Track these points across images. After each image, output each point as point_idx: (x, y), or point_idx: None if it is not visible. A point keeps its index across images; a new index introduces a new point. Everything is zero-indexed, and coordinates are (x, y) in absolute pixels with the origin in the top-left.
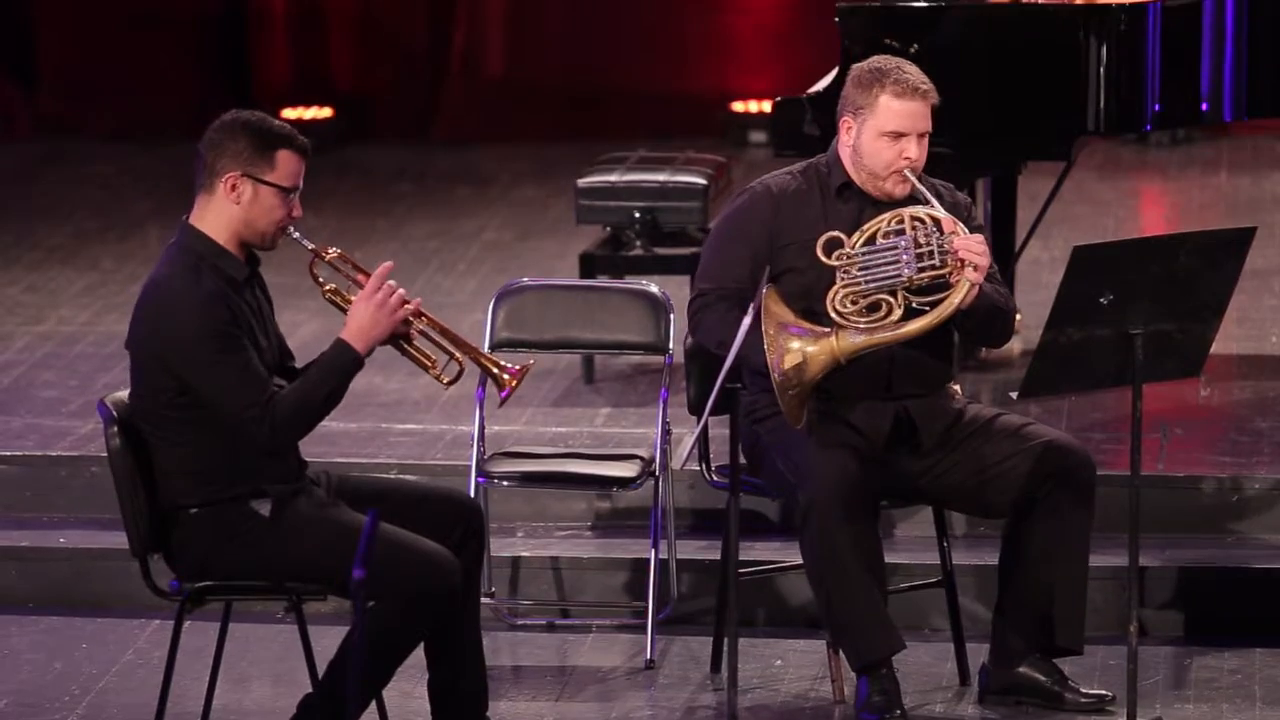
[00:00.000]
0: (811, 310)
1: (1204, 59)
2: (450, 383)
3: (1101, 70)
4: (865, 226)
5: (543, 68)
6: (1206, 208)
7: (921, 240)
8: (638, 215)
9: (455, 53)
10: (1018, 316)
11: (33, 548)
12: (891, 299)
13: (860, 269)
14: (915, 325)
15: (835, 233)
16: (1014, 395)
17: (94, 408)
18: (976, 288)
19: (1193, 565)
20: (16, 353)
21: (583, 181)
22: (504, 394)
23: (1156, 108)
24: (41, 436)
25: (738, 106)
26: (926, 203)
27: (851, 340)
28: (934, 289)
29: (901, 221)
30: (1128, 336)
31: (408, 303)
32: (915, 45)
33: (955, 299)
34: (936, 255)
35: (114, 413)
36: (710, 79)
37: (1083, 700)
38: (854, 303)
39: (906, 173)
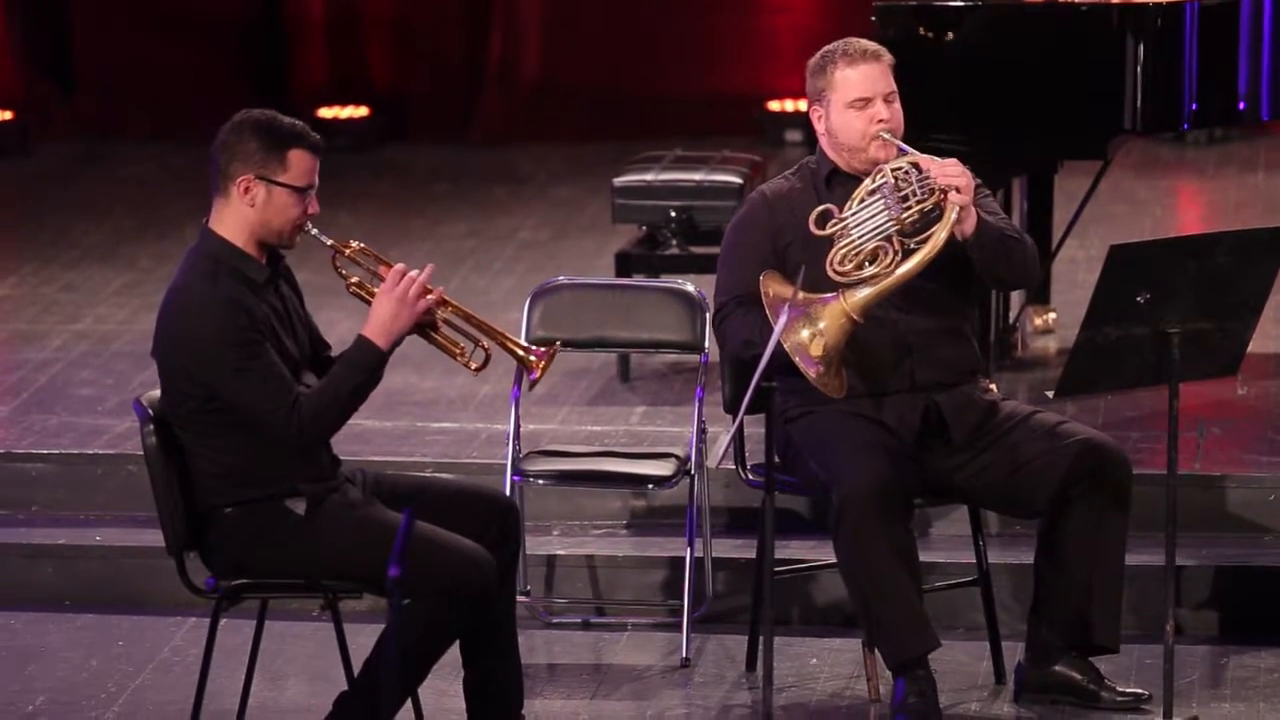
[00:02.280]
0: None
1: (1241, 58)
2: (479, 369)
3: (1139, 69)
4: (854, 194)
5: (579, 68)
6: (1243, 206)
7: (902, 184)
8: (673, 214)
9: (492, 53)
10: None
11: (69, 545)
12: (888, 244)
13: (853, 227)
14: (914, 260)
15: (825, 205)
16: (1050, 394)
17: (130, 406)
18: (970, 212)
19: (1229, 564)
20: (54, 351)
21: (619, 180)
22: (533, 376)
23: (1194, 106)
24: (78, 435)
25: (774, 106)
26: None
27: (858, 295)
28: (923, 226)
29: (882, 175)
30: (1164, 335)
31: (430, 292)
32: (952, 43)
33: (945, 225)
34: (918, 191)
35: (150, 411)
36: (746, 78)
37: (1119, 699)
38: (851, 261)
39: (884, 135)
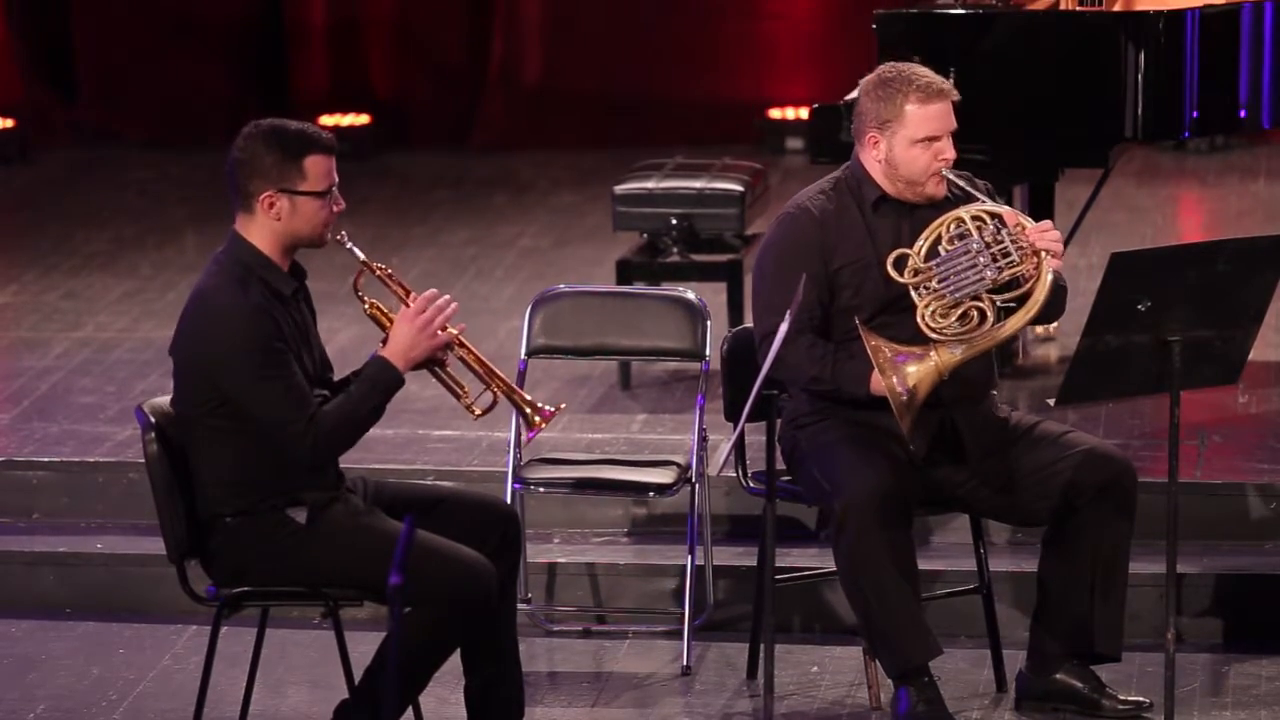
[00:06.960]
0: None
1: (1242, 66)
2: (482, 414)
3: (1140, 77)
4: (925, 234)
5: (580, 75)
6: (1244, 214)
7: (990, 239)
8: (674, 222)
9: (493, 60)
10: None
11: (71, 553)
12: (980, 303)
13: (939, 280)
14: (1011, 325)
15: (902, 250)
16: (1051, 402)
17: (132, 414)
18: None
19: (1230, 572)
20: (55, 359)
21: (620, 188)
22: (531, 435)
23: (1194, 115)
24: (80, 442)
25: (774, 113)
26: (971, 199)
27: (953, 353)
28: (1012, 283)
29: (962, 224)
30: (1165, 343)
31: (450, 328)
32: (952, 52)
33: (1042, 291)
34: (1013, 251)
35: (152, 419)
36: (747, 86)
37: (1120, 707)
38: (944, 315)
39: (944, 172)
